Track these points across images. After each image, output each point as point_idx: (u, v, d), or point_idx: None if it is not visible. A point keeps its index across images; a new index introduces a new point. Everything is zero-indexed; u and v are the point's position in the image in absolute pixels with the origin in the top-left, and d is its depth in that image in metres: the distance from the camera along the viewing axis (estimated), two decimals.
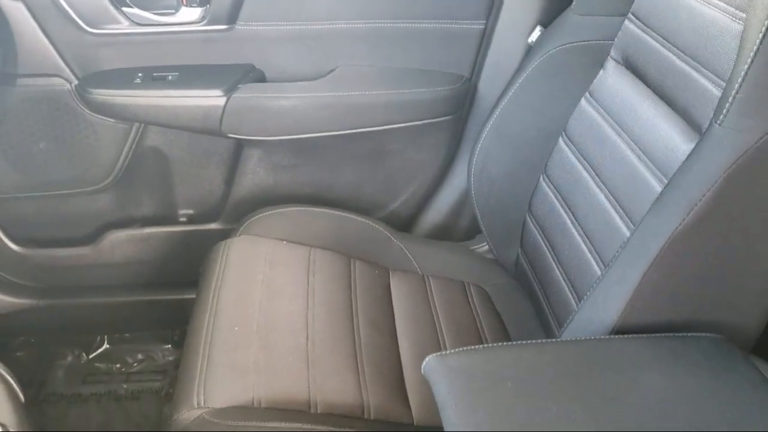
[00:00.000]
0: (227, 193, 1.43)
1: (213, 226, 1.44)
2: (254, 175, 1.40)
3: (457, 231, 1.47)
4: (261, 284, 1.12)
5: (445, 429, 0.65)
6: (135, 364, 1.46)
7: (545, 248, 1.13)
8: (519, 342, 0.76)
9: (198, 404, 0.91)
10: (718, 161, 0.71)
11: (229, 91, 1.27)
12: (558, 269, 1.08)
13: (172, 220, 1.46)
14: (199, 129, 1.31)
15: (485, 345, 0.74)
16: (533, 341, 0.75)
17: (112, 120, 1.31)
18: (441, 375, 0.70)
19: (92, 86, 1.27)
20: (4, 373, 0.75)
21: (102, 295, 1.48)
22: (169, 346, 1.50)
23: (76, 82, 1.28)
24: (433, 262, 1.31)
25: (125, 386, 1.41)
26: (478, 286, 1.27)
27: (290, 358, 1.00)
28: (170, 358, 1.47)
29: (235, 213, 1.41)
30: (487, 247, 1.38)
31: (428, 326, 1.16)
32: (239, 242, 1.22)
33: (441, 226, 1.47)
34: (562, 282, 1.06)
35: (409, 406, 1.00)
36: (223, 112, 1.27)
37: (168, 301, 1.49)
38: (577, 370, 0.69)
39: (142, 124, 1.34)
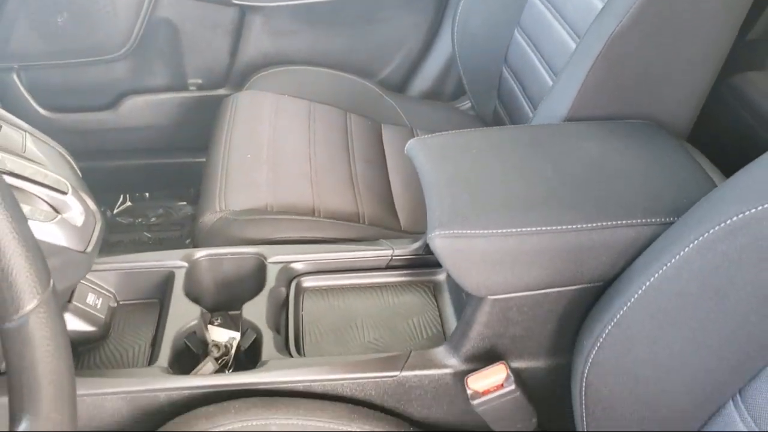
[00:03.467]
0: (232, 61, 1.57)
1: (220, 91, 1.59)
2: (256, 42, 1.53)
3: (443, 94, 1.62)
4: (268, 126, 1.28)
5: (423, 185, 0.82)
6: (154, 219, 1.64)
7: (518, 91, 1.28)
8: (483, 128, 0.92)
9: (220, 208, 1.08)
10: None
11: None
12: (528, 106, 1.23)
13: (183, 89, 1.60)
14: None
15: (454, 131, 0.89)
16: (496, 127, 0.91)
17: None
18: (419, 150, 0.86)
19: None
20: (64, 153, 0.91)
21: (123, 158, 1.64)
22: (185, 202, 1.67)
23: None
24: (421, 117, 1.46)
25: (148, 235, 1.59)
26: None
27: (296, 179, 1.16)
28: (187, 213, 1.64)
29: (240, 79, 1.55)
30: (469, 104, 1.53)
31: None
32: (246, 95, 1.37)
33: (429, 91, 1.61)
34: (531, 116, 1.22)
35: (398, 218, 1.17)
36: None
37: (182, 163, 1.65)
38: (531, 141, 0.86)
39: None
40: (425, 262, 0.98)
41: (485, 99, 1.44)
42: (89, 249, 0.77)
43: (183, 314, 0.88)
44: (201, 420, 0.75)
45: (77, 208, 0.78)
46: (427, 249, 0.98)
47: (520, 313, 0.77)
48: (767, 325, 0.61)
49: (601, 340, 0.70)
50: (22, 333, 0.45)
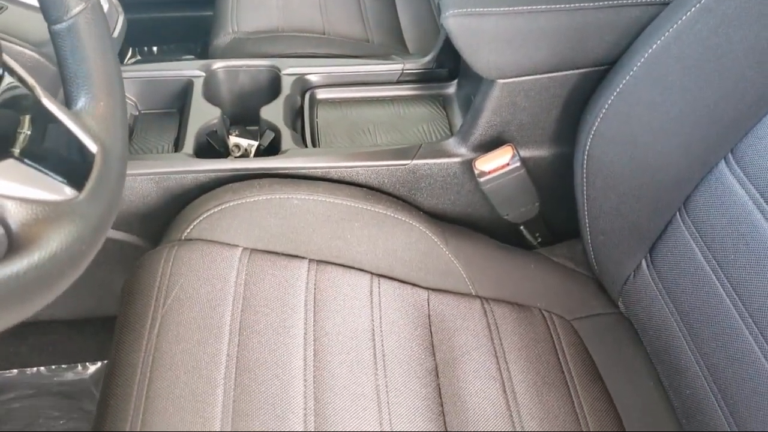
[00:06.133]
0: None
1: None
2: None
3: None
4: None
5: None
6: None
7: None
8: None
9: (233, 30, 1.10)
10: None
11: None
12: None
13: None
14: None
15: None
16: None
17: None
18: None
19: None
20: None
21: (129, 11, 1.62)
22: (193, 57, 1.68)
23: None
24: None
25: None
26: None
27: (306, 5, 1.19)
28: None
29: None
30: None
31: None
32: None
33: None
34: None
35: (406, 46, 1.20)
36: None
37: (190, 17, 1.65)
38: None
39: None
40: (435, 76, 1.02)
41: None
42: (115, 34, 0.81)
43: (204, 113, 0.92)
44: (227, 194, 0.80)
45: None
46: (437, 63, 1.01)
47: (527, 98, 0.81)
48: (761, 82, 0.65)
49: (603, 111, 0.74)
50: (72, 32, 0.48)
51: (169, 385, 0.61)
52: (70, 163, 0.42)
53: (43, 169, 0.39)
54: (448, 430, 0.68)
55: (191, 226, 0.77)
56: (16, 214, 0.36)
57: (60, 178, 0.40)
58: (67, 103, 0.48)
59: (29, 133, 0.48)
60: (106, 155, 0.44)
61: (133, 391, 0.61)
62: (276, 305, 0.71)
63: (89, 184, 0.41)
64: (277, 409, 0.63)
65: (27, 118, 0.49)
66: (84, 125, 0.44)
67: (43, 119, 0.49)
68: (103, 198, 0.41)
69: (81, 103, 0.47)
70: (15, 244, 0.36)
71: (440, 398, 0.70)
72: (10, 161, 0.38)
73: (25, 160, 0.39)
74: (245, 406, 0.62)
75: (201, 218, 0.78)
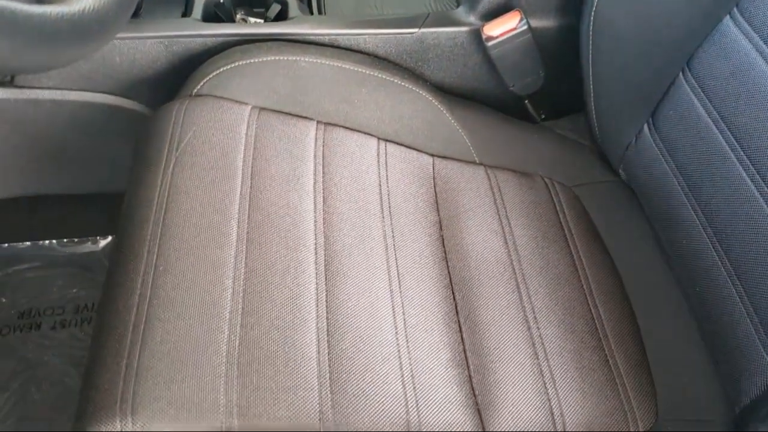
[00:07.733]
0: None
1: None
2: None
3: None
4: None
5: None
6: None
7: None
8: None
9: None
10: None
11: None
12: None
13: None
14: None
15: None
16: None
17: None
18: None
19: None
20: None
21: None
22: None
23: None
24: None
25: None
26: None
27: None
28: None
29: None
30: None
31: None
32: None
33: None
34: None
35: None
36: None
37: None
38: None
39: None
40: None
41: None
42: None
43: None
44: (236, 54, 0.81)
45: None
46: None
47: None
48: None
49: None
50: None
51: (185, 215, 0.64)
52: None
53: None
54: (451, 273, 0.70)
55: (201, 84, 0.78)
56: None
57: None
58: None
59: None
60: None
61: (150, 217, 0.63)
62: (286, 156, 0.73)
63: None
64: (289, 241, 0.65)
65: None
66: None
67: None
68: None
69: None
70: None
71: (443, 247, 0.73)
72: None
73: None
74: (258, 237, 0.64)
75: (210, 76, 0.79)
